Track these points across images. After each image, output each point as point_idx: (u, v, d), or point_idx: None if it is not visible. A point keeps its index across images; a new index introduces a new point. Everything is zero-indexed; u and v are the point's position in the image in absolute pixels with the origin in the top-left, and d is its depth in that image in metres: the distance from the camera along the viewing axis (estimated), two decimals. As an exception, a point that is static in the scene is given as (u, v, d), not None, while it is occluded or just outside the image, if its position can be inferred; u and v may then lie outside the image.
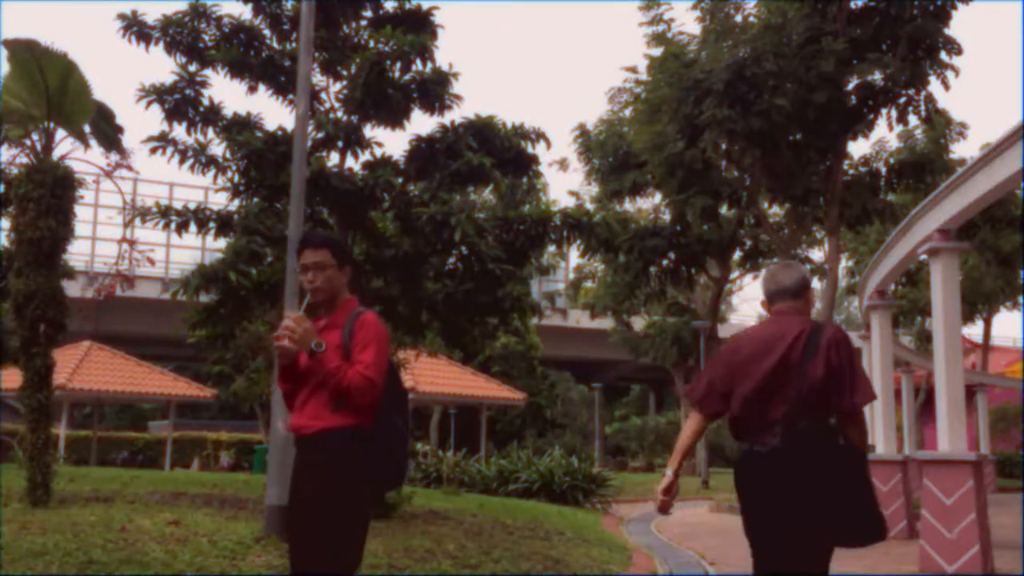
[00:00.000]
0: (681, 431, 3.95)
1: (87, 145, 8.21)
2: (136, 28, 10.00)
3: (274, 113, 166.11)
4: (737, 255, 27.37)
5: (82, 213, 24.08)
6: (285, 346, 3.39)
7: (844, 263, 29.80)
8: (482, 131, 9.99)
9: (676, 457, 3.83)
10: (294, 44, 10.09)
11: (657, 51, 18.29)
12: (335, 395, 3.39)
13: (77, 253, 36.05)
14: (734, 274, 32.43)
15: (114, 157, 8.56)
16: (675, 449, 3.88)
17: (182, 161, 9.84)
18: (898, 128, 18.43)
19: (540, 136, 10.32)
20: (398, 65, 9.79)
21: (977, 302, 27.17)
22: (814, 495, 3.55)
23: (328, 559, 3.35)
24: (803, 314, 3.83)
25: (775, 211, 24.31)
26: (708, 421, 3.87)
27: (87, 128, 8.11)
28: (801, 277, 3.88)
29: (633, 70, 20.23)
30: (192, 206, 10.21)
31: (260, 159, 9.56)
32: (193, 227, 9.94)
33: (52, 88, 7.58)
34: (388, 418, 3.48)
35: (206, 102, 9.98)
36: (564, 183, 59.00)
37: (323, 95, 10.39)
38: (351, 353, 3.44)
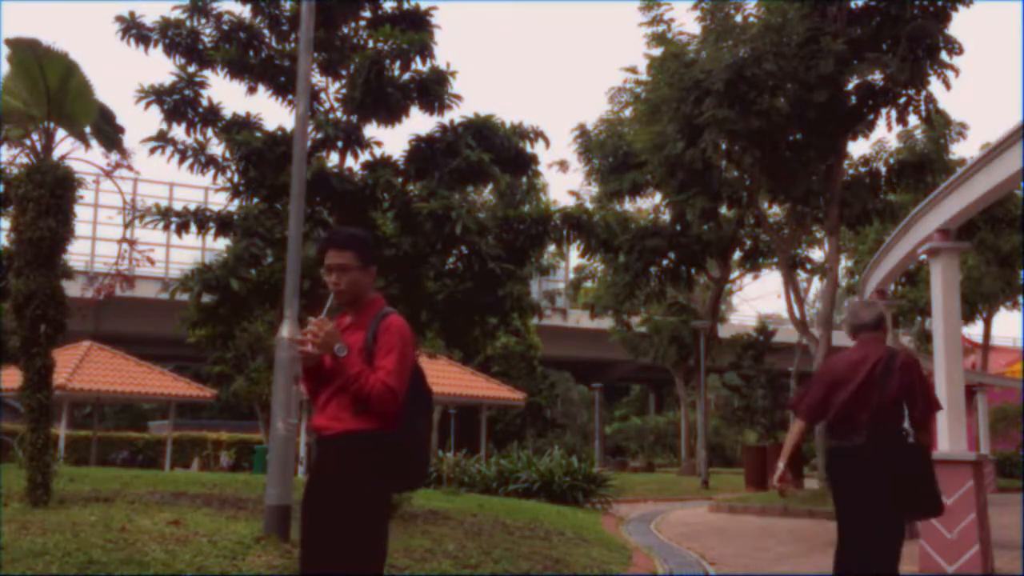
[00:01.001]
0: (789, 433, 5.19)
1: (88, 145, 8.20)
2: (135, 30, 10.00)
3: (274, 113, 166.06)
4: (737, 255, 27.38)
5: (82, 213, 24.08)
6: (307, 351, 3.35)
7: (844, 263, 29.82)
8: (481, 130, 10.00)
9: (785, 453, 5.09)
10: (293, 44, 10.09)
11: (657, 51, 18.28)
12: (356, 400, 3.36)
13: (77, 253, 36.08)
14: (734, 274, 32.49)
15: (114, 157, 8.54)
16: (784, 448, 5.14)
17: (181, 161, 9.85)
18: (898, 128, 18.43)
19: (539, 135, 10.33)
20: (397, 64, 9.80)
21: (977, 302, 27.18)
22: (890, 479, 4.64)
23: (343, 561, 3.33)
24: (881, 342, 4.92)
25: (775, 211, 24.31)
26: (810, 427, 5.05)
27: (87, 128, 8.10)
28: (879, 313, 4.99)
29: (633, 70, 20.24)
30: (192, 207, 10.22)
31: (260, 159, 9.56)
32: (193, 228, 9.95)
33: (53, 88, 7.56)
34: (412, 421, 3.44)
35: (205, 103, 9.98)
36: (564, 184, 59.20)
37: (323, 95, 10.39)
38: (374, 358, 3.39)
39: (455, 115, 10.21)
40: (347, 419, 3.38)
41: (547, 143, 10.44)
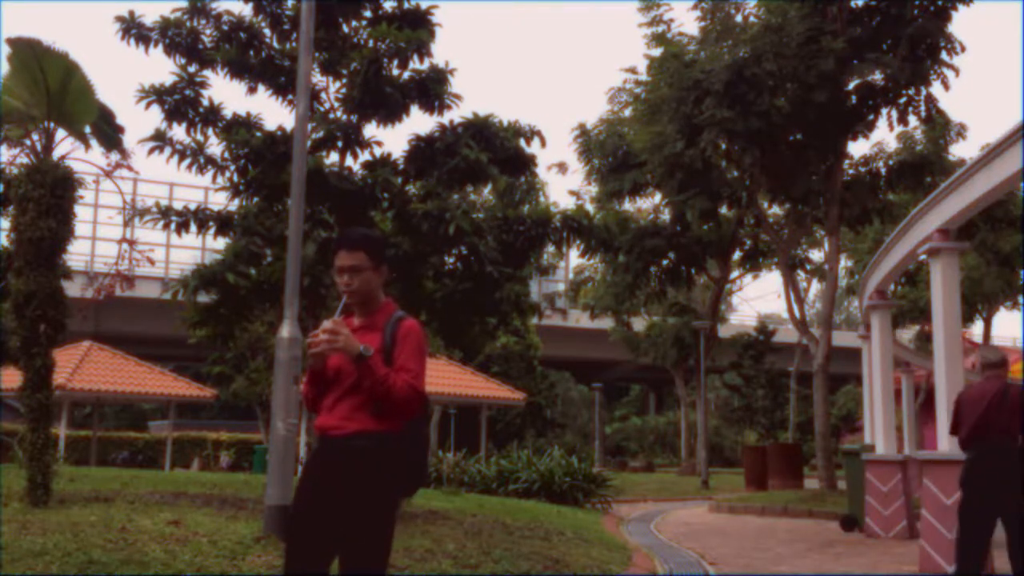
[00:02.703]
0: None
1: (88, 145, 8.20)
2: (135, 31, 9.99)
3: (274, 113, 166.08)
4: (737, 255, 27.38)
5: (82, 213, 24.03)
6: (323, 351, 3.30)
7: (844, 263, 29.79)
8: (481, 130, 10.00)
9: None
10: (294, 44, 10.08)
11: (657, 51, 18.29)
12: (379, 402, 3.33)
13: (77, 253, 36.05)
14: (734, 274, 32.47)
15: (114, 157, 8.54)
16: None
17: (180, 161, 9.84)
18: (898, 128, 18.44)
19: (535, 133, 10.32)
20: (396, 63, 9.79)
21: (977, 302, 27.13)
22: (1011, 478, 6.29)
23: (381, 560, 3.35)
24: (1002, 378, 6.56)
25: (775, 211, 24.31)
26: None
27: (87, 128, 8.10)
28: (1002, 357, 6.65)
29: (633, 70, 20.25)
30: (192, 206, 10.22)
31: (259, 158, 9.56)
32: (193, 227, 9.95)
33: (53, 88, 7.56)
34: (418, 425, 3.45)
35: (206, 103, 9.98)
36: (564, 186, 59.38)
37: (323, 95, 10.39)
38: (395, 360, 3.39)
39: (455, 115, 10.22)
40: (362, 419, 3.36)
41: (543, 142, 10.42)
